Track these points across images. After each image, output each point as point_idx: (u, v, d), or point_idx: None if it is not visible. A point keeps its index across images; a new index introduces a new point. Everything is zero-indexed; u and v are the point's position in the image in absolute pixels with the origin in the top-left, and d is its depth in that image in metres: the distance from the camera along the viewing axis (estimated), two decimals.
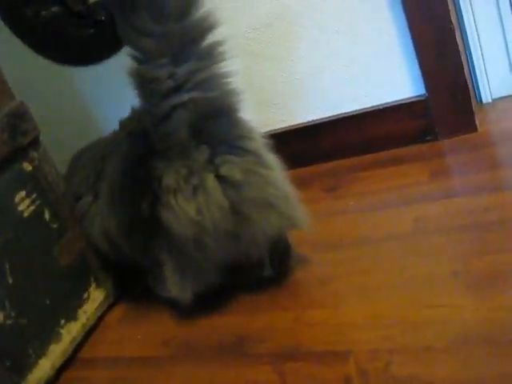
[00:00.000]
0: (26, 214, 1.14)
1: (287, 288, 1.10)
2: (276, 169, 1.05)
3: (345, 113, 1.45)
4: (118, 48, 1.52)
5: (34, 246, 1.15)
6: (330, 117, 1.47)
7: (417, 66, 1.34)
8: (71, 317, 1.20)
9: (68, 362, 1.17)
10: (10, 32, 1.64)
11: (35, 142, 1.18)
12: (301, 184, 1.43)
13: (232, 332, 1.06)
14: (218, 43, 0.99)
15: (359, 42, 1.37)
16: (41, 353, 1.12)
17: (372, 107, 1.42)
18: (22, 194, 1.14)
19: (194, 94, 0.97)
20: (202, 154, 0.98)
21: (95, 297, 1.26)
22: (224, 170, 0.98)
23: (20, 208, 1.13)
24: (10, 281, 1.09)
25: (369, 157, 1.43)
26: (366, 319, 0.96)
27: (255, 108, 1.51)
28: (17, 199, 1.12)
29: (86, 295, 1.24)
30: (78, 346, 1.20)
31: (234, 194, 0.98)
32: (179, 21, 0.94)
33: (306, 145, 1.50)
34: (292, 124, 1.50)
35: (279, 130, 1.51)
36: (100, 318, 1.26)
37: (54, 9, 1.65)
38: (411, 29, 1.30)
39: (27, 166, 1.16)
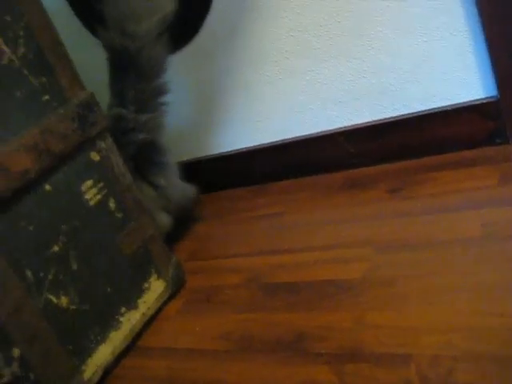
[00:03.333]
0: (92, 203, 1.16)
1: (349, 288, 1.09)
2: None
3: (413, 113, 1.42)
4: (181, 44, 1.55)
5: (99, 235, 1.17)
6: (397, 116, 1.44)
7: (489, 66, 1.30)
8: (131, 306, 1.22)
9: (127, 350, 1.20)
10: (80, 25, 1.69)
11: (103, 133, 1.20)
12: (366, 184, 1.43)
13: (291, 329, 1.05)
14: (166, 102, 1.42)
15: (429, 40, 1.33)
16: (101, 339, 1.15)
17: (441, 108, 1.38)
18: (89, 183, 1.16)
19: (144, 135, 1.39)
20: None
21: (156, 287, 1.28)
22: (154, 180, 1.46)
23: (86, 196, 1.15)
24: (75, 267, 1.11)
25: (436, 158, 1.39)
26: (429, 323, 0.94)
27: (320, 105, 1.50)
28: (84, 188, 1.15)
29: (146, 285, 1.26)
30: (138, 335, 1.22)
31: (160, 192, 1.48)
32: (151, 82, 1.37)
33: (372, 144, 1.48)
34: (358, 123, 1.48)
35: (345, 129, 1.50)
36: (160, 309, 1.28)
37: None
38: (484, 27, 1.25)
39: (95, 156, 1.18)
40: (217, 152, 1.72)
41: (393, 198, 1.33)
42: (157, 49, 1.35)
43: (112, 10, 1.34)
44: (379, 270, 1.11)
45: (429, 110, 1.40)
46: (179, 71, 1.54)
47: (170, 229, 1.49)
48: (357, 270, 1.13)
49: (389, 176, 1.42)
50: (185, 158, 1.72)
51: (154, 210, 1.42)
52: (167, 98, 1.43)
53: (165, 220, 1.48)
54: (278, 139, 1.60)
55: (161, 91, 1.41)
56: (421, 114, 1.41)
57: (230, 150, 1.69)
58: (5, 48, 1.05)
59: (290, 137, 1.58)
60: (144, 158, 1.44)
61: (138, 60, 1.33)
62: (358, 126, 1.49)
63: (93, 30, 1.69)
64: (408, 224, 1.21)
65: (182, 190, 1.55)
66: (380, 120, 1.46)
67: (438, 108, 1.39)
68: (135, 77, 1.34)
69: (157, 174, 1.47)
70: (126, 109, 1.35)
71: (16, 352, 0.99)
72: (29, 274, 1.03)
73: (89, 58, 1.68)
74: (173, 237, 1.55)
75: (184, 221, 1.63)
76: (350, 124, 1.50)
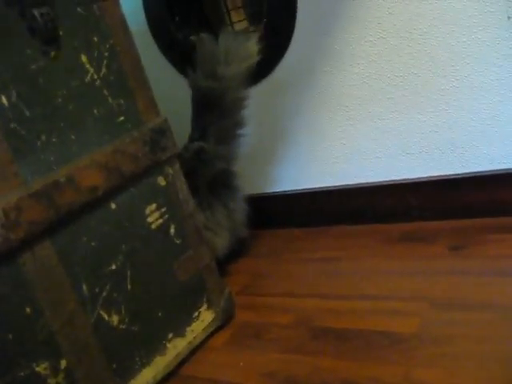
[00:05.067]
0: (153, 226, 1.18)
1: (400, 341, 1.07)
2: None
3: (481, 172, 1.39)
4: (256, 79, 1.58)
5: (156, 258, 1.19)
6: (464, 174, 1.42)
7: None
8: (179, 332, 1.22)
9: (169, 377, 1.19)
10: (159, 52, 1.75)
11: (172, 159, 1.22)
12: (425, 238, 1.41)
13: (337, 376, 1.03)
14: (243, 134, 1.53)
15: (504, 100, 1.32)
16: (146, 362, 1.15)
17: (509, 169, 1.36)
18: (153, 206, 1.18)
19: (222, 165, 1.51)
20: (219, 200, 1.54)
21: (205, 317, 1.28)
22: (225, 201, 1.55)
23: (149, 219, 1.17)
24: (129, 287, 1.13)
25: (501, 220, 1.36)
26: None
27: (387, 154, 1.50)
28: (147, 211, 1.17)
29: (196, 314, 1.26)
30: (181, 363, 1.22)
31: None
32: (232, 118, 1.49)
33: (435, 199, 1.46)
34: (424, 176, 1.47)
35: (410, 180, 1.49)
36: (206, 339, 1.28)
37: (203, 34, 1.73)
38: None
39: (161, 181, 1.20)
40: (279, 189, 1.73)
41: (453, 255, 1.30)
42: (241, 90, 1.48)
43: (204, 52, 1.44)
44: (432, 327, 1.08)
45: (497, 170, 1.38)
46: (250, 104, 1.56)
47: (227, 251, 1.54)
48: (409, 324, 1.11)
49: (450, 233, 1.40)
50: (247, 192, 1.73)
51: (222, 228, 1.52)
52: (244, 131, 1.54)
53: (226, 241, 1.54)
54: (341, 183, 1.60)
55: (239, 124, 1.53)
56: (489, 173, 1.39)
57: (292, 188, 1.70)
58: (89, 67, 1.09)
59: (354, 182, 1.58)
60: (217, 180, 1.53)
61: (222, 101, 1.45)
62: (423, 180, 1.47)
63: (176, 65, 1.75)
64: (466, 283, 1.19)
65: (244, 219, 1.61)
66: (446, 176, 1.44)
67: (507, 169, 1.37)
68: (218, 115, 1.46)
69: (228, 196, 1.56)
70: (207, 142, 1.46)
71: (63, 363, 1.01)
72: (85, 288, 1.05)
73: (166, 85, 1.73)
74: (227, 269, 1.56)
75: (239, 254, 1.65)
76: (415, 176, 1.49)
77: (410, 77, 1.40)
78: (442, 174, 1.45)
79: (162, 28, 1.74)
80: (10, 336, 0.93)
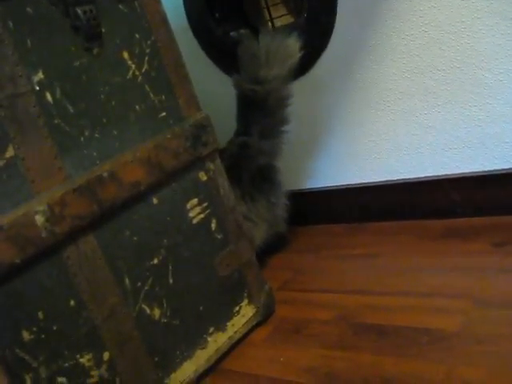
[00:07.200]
0: (194, 221, 1.19)
1: (442, 339, 1.05)
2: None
3: None
4: (295, 75, 1.57)
5: (197, 253, 1.19)
6: (507, 169, 1.39)
7: None
8: (220, 327, 1.23)
9: (209, 370, 1.20)
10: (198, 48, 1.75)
11: (213, 154, 1.23)
12: (468, 234, 1.39)
13: (378, 373, 1.02)
14: (287, 130, 1.55)
15: None
16: (187, 355, 1.17)
17: None
18: (195, 201, 1.19)
19: (265, 160, 1.53)
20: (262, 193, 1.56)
21: (245, 312, 1.28)
22: (266, 195, 1.56)
23: (190, 214, 1.18)
24: (171, 281, 1.14)
25: None
26: None
27: (429, 149, 1.48)
28: (189, 206, 1.18)
29: (237, 309, 1.27)
30: (222, 357, 1.23)
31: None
32: (274, 115, 1.50)
33: (478, 195, 1.43)
34: (467, 171, 1.45)
35: (453, 176, 1.46)
36: (246, 334, 1.28)
37: (243, 30, 1.74)
38: None
39: (203, 176, 1.21)
40: (319, 185, 1.73)
41: (496, 252, 1.28)
42: (284, 89, 1.49)
43: (245, 54, 1.45)
44: (476, 326, 1.06)
45: None
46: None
47: (263, 244, 1.56)
48: (452, 321, 1.09)
49: (493, 229, 1.37)
50: (287, 187, 1.73)
51: (262, 220, 1.54)
52: (288, 127, 1.55)
53: (264, 233, 1.56)
54: (382, 179, 1.59)
55: (283, 121, 1.54)
56: None
57: (332, 184, 1.69)
58: (131, 63, 1.10)
59: (395, 178, 1.56)
60: (260, 174, 1.55)
61: (266, 101, 1.46)
62: (466, 175, 1.45)
63: (216, 61, 1.76)
64: (510, 281, 1.17)
65: (284, 214, 1.62)
66: (490, 171, 1.42)
67: None
68: (262, 114, 1.48)
69: (270, 190, 1.58)
70: (250, 137, 1.49)
71: (106, 355, 1.02)
72: (127, 282, 1.06)
73: (207, 81, 1.74)
74: (267, 264, 1.56)
75: (279, 250, 1.66)
76: (457, 172, 1.47)
77: (453, 71, 1.38)
78: (486, 169, 1.43)
79: (201, 24, 1.75)
80: (55, 327, 0.95)
